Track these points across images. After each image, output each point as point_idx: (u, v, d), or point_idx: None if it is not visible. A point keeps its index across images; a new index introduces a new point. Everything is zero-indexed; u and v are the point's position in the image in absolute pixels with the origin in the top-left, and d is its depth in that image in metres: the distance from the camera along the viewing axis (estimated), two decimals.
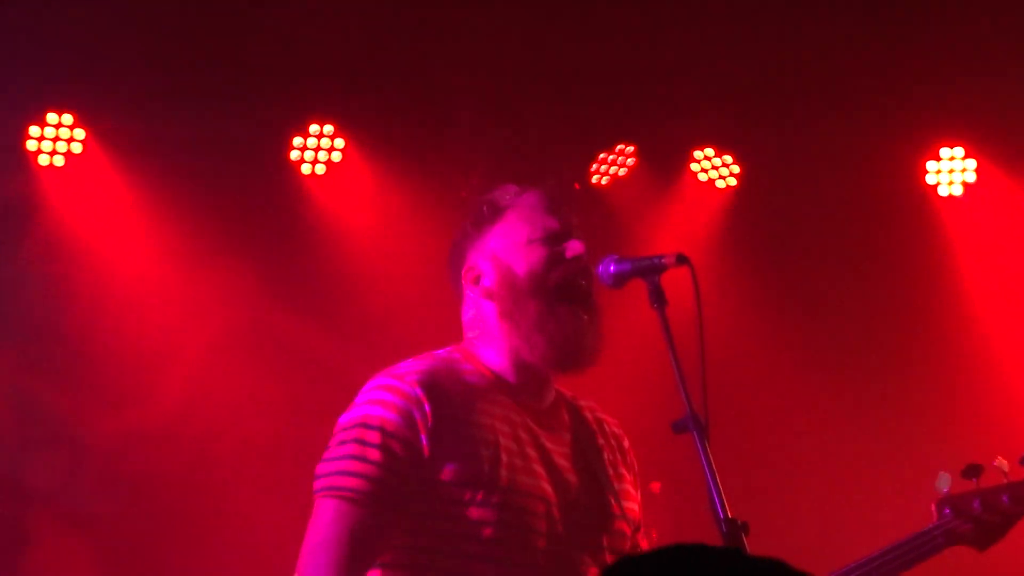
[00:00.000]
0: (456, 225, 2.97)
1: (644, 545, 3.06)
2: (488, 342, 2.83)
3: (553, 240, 2.82)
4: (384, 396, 2.70)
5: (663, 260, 2.67)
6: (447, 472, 2.66)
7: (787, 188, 7.07)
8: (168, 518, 6.10)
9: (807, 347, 6.93)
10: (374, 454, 2.65)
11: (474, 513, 2.66)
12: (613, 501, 2.85)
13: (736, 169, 7.11)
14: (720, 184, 7.14)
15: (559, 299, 2.78)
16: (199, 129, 6.26)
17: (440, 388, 2.71)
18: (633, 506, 2.92)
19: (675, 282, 2.73)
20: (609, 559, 2.80)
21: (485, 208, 2.89)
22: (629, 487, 2.94)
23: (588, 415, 2.97)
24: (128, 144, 6.20)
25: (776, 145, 6.99)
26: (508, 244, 2.82)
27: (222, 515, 6.11)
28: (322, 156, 6.52)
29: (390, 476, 2.64)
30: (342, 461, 2.66)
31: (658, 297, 2.65)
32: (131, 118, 6.17)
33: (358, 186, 6.61)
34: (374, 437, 2.66)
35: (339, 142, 6.53)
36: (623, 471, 2.93)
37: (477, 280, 2.85)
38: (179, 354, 6.23)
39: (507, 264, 2.81)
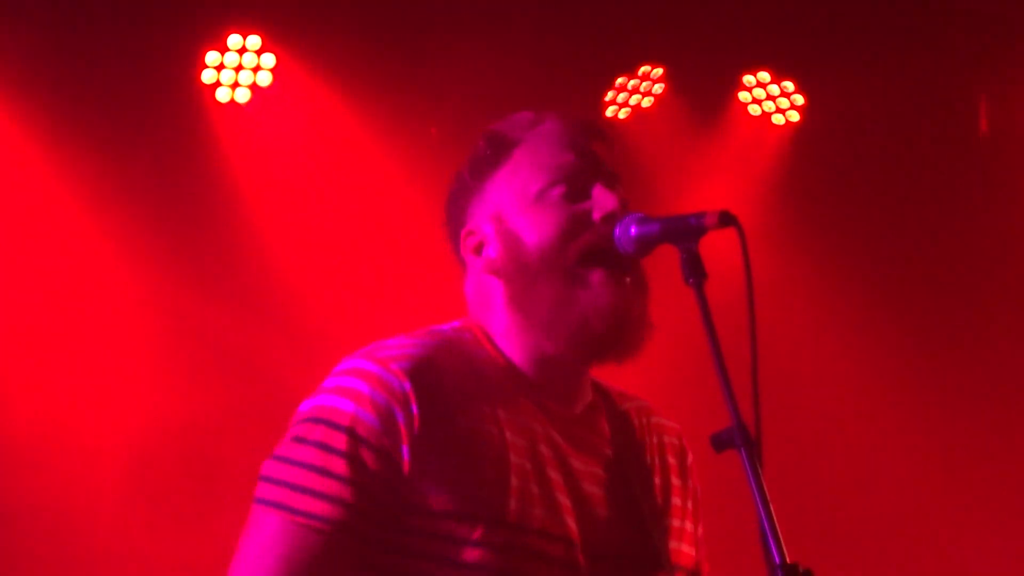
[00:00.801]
0: (454, 168, 2.88)
1: None
2: (498, 326, 2.76)
3: (573, 191, 2.74)
4: (359, 386, 2.61)
5: (702, 220, 2.61)
6: (434, 498, 2.60)
7: (864, 126, 7.09)
8: (34, 559, 6.11)
9: (882, 330, 6.99)
10: (339, 466, 2.58)
11: (468, 555, 2.60)
12: (661, 544, 2.78)
13: (799, 100, 7.12)
14: (777, 119, 7.15)
15: (586, 266, 2.70)
16: (79, 42, 6.24)
17: (436, 383, 2.63)
18: (688, 550, 2.86)
19: (716, 248, 2.71)
20: None
21: (486, 146, 2.80)
22: (686, 523, 2.88)
23: (637, 421, 2.88)
24: None
25: (853, 70, 7.01)
26: (515, 199, 2.73)
27: (110, 555, 6.12)
28: (245, 78, 6.51)
29: (357, 498, 2.58)
30: (297, 469, 2.60)
31: (695, 269, 2.59)
32: None
33: (293, 118, 6.60)
34: (340, 442, 2.59)
35: (268, 59, 6.52)
36: (679, 500, 2.87)
37: (479, 249, 2.76)
38: (49, 338, 6.23)
39: (512, 230, 2.71)
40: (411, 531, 2.60)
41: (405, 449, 2.57)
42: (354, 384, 2.61)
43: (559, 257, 2.67)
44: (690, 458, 2.95)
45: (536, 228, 2.69)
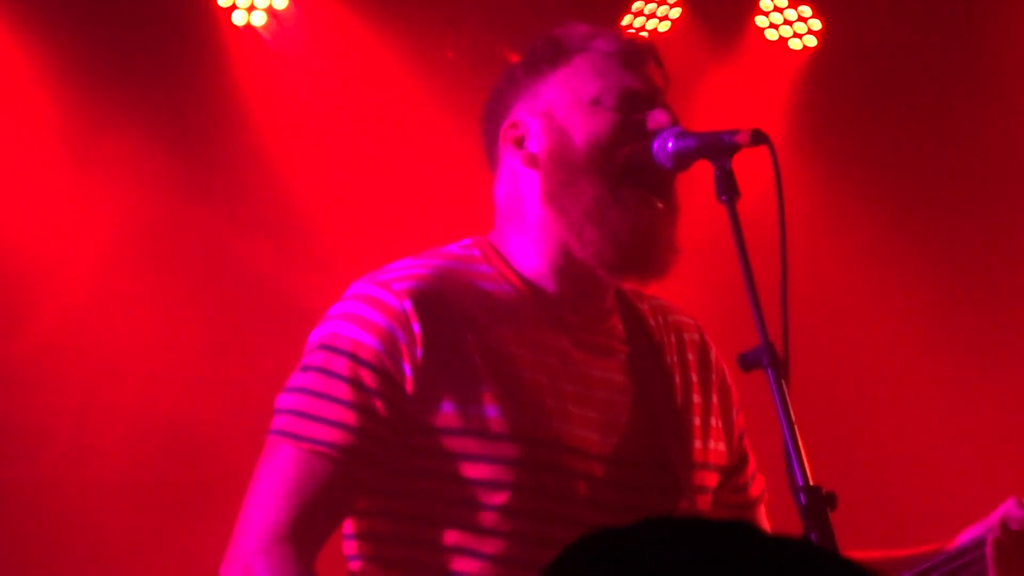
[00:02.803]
0: (470, 92, 2.91)
1: (754, 493, 2.99)
2: (522, 232, 2.77)
3: (631, 105, 2.77)
4: (360, 310, 2.66)
5: (735, 138, 2.63)
6: (441, 416, 2.63)
7: (884, 51, 7.05)
8: (46, 492, 6.10)
9: (911, 257, 6.97)
10: (340, 390, 2.63)
11: (480, 472, 2.63)
12: (683, 445, 2.78)
13: (816, 24, 7.07)
14: (795, 44, 7.10)
15: (626, 181, 2.71)
16: None
17: (439, 301, 2.66)
18: (717, 446, 2.86)
19: (742, 168, 2.70)
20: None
21: (544, 47, 2.83)
22: (711, 419, 2.88)
23: (653, 321, 2.89)
24: None
25: None
26: (569, 100, 2.77)
27: (122, 495, 6.11)
28: (261, 1, 6.46)
29: (361, 420, 2.62)
30: (301, 396, 2.65)
31: (729, 185, 2.60)
32: None
33: (309, 42, 6.56)
34: (341, 366, 2.64)
35: None
36: (699, 397, 2.86)
37: (520, 142, 2.79)
38: (62, 266, 6.21)
39: (563, 126, 2.75)
40: (420, 450, 2.65)
41: (407, 368, 2.62)
42: (354, 308, 2.67)
43: (606, 161, 2.71)
44: (713, 352, 2.95)
45: (588, 128, 2.74)
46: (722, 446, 2.87)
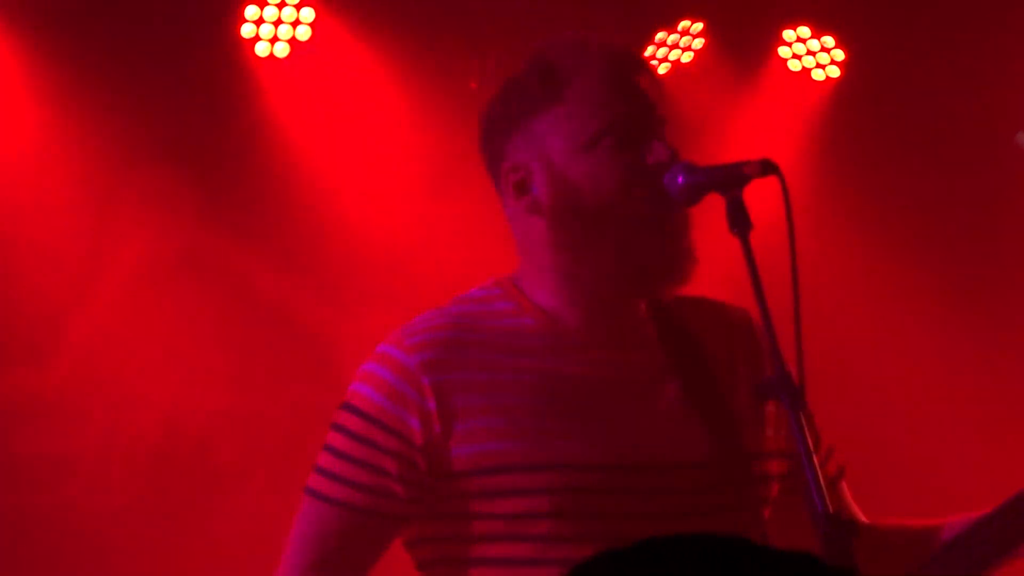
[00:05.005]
0: (474, 132, 2.85)
1: (831, 471, 2.88)
2: (539, 271, 2.75)
3: (631, 137, 2.72)
4: (374, 369, 2.70)
5: (744, 169, 2.63)
6: (464, 460, 2.63)
7: (907, 82, 7.06)
8: (68, 515, 6.12)
9: (923, 282, 6.98)
10: (355, 449, 2.68)
11: (515, 506, 2.62)
12: (739, 438, 2.73)
13: (840, 55, 7.08)
14: (817, 75, 7.11)
15: (646, 220, 2.68)
16: None
17: (451, 348, 2.66)
18: (778, 433, 2.77)
19: (756, 198, 2.70)
20: (747, 519, 2.70)
21: (535, 81, 2.74)
22: (768, 407, 2.80)
23: (694, 320, 2.84)
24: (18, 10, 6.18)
25: (894, 25, 6.97)
26: (567, 143, 2.69)
27: (145, 524, 6.13)
28: (284, 32, 6.50)
29: (374, 478, 2.66)
30: (325, 455, 2.73)
31: (740, 217, 2.58)
32: None
33: (331, 73, 6.59)
34: (355, 424, 2.69)
35: (307, 13, 6.50)
36: (750, 387, 2.78)
37: (522, 186, 2.73)
38: (89, 297, 6.23)
39: (565, 175, 2.69)
40: (451, 496, 2.68)
41: (416, 422, 2.65)
42: (371, 368, 2.71)
43: (619, 208, 2.67)
44: (757, 326, 2.85)
45: (592, 177, 2.68)
46: (783, 430, 2.78)
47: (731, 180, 2.61)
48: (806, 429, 2.49)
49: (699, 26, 6.95)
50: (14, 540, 6.02)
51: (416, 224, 6.55)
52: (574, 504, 2.62)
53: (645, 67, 2.80)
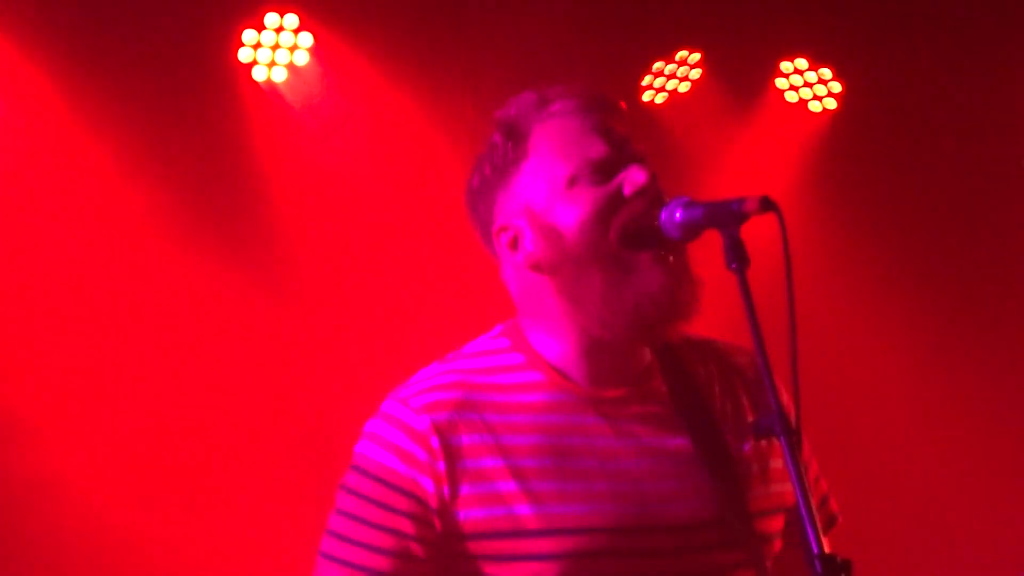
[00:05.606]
0: (471, 160, 2.85)
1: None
2: (543, 323, 2.74)
3: (603, 172, 2.73)
4: (382, 430, 2.69)
5: (743, 206, 2.60)
6: (473, 523, 2.63)
7: (904, 114, 7.07)
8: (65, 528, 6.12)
9: (921, 316, 7.00)
10: (371, 513, 2.68)
11: (524, 571, 2.63)
12: (746, 495, 2.71)
13: (836, 87, 7.10)
14: (815, 107, 7.12)
15: (631, 249, 2.67)
16: (114, 21, 6.22)
17: (461, 411, 2.65)
18: (780, 488, 2.76)
19: (754, 234, 2.70)
20: None
21: (502, 139, 2.75)
22: (771, 461, 2.79)
23: (703, 370, 2.82)
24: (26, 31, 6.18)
25: (891, 57, 6.99)
26: (544, 191, 2.70)
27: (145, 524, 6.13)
28: (282, 57, 6.50)
29: (391, 541, 2.66)
30: (339, 519, 2.72)
31: (738, 254, 2.56)
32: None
33: (329, 98, 6.59)
34: (369, 489, 2.68)
35: (305, 38, 6.51)
36: (746, 431, 2.77)
37: (515, 244, 2.74)
38: (78, 321, 6.23)
39: (549, 222, 2.68)
40: (463, 556, 2.67)
41: (429, 484, 2.64)
42: (378, 428, 2.71)
43: (601, 240, 2.66)
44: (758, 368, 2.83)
45: (571, 214, 2.67)
46: (787, 486, 2.74)
47: (730, 217, 2.60)
48: (802, 467, 2.48)
49: (696, 56, 6.96)
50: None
51: (413, 246, 6.55)
52: (584, 568, 2.62)
53: (613, 107, 2.79)
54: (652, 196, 2.67)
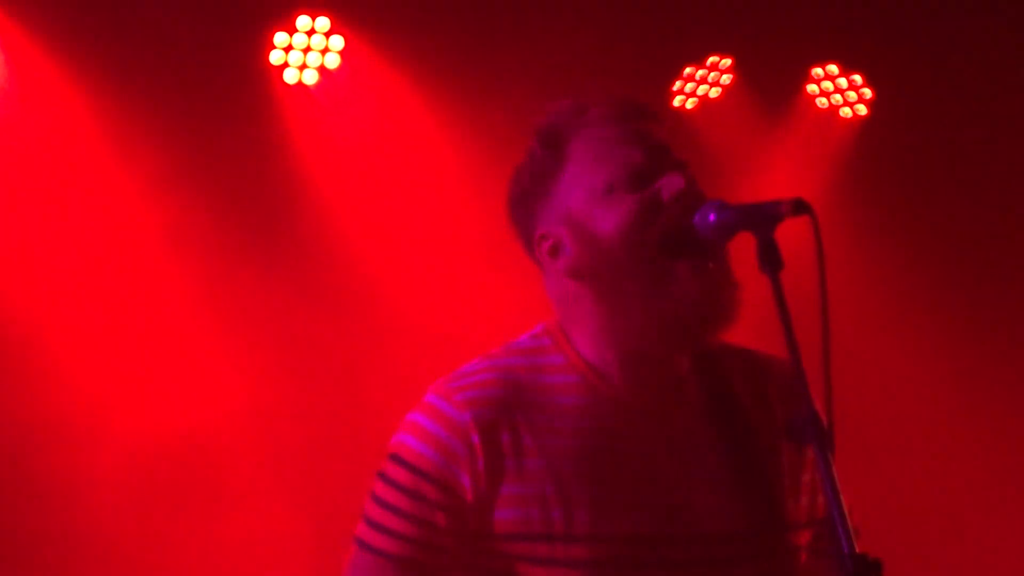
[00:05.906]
0: (512, 168, 2.85)
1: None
2: (583, 328, 2.74)
3: (641, 179, 2.72)
4: (423, 421, 2.69)
5: (777, 208, 2.59)
6: (506, 523, 2.63)
7: (934, 121, 7.06)
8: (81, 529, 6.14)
9: (953, 322, 6.98)
10: (403, 501, 2.68)
11: (557, 575, 2.64)
12: (779, 508, 2.72)
13: (868, 93, 7.09)
14: (845, 112, 7.12)
15: (670, 256, 2.67)
16: (147, 24, 6.24)
17: (503, 410, 2.65)
18: (814, 500, 2.77)
19: (786, 237, 2.69)
20: None
21: (541, 149, 2.77)
22: (804, 475, 2.80)
23: (740, 381, 2.82)
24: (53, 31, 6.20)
25: (922, 64, 6.98)
26: (583, 198, 2.71)
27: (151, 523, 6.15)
28: (313, 60, 6.51)
29: (421, 531, 2.66)
30: (372, 505, 2.73)
31: (771, 257, 2.57)
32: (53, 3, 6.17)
33: (360, 101, 6.60)
34: (404, 478, 2.68)
35: (336, 41, 6.52)
36: (789, 453, 2.78)
37: (555, 252, 2.75)
38: (111, 325, 6.24)
39: (588, 229, 2.69)
40: (489, 554, 2.67)
41: (467, 479, 2.64)
42: (419, 419, 2.71)
43: (641, 247, 2.65)
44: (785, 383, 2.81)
45: (609, 221, 2.67)
46: (816, 498, 2.78)
47: (763, 219, 2.59)
48: (834, 470, 2.48)
49: (727, 62, 6.96)
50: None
51: (444, 252, 6.55)
52: (615, 575, 2.62)
53: (649, 114, 2.80)
54: (690, 202, 2.66)
